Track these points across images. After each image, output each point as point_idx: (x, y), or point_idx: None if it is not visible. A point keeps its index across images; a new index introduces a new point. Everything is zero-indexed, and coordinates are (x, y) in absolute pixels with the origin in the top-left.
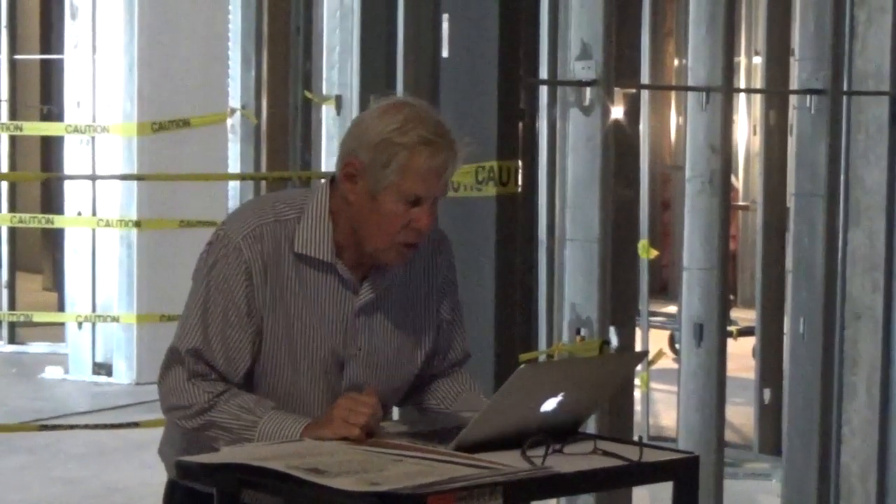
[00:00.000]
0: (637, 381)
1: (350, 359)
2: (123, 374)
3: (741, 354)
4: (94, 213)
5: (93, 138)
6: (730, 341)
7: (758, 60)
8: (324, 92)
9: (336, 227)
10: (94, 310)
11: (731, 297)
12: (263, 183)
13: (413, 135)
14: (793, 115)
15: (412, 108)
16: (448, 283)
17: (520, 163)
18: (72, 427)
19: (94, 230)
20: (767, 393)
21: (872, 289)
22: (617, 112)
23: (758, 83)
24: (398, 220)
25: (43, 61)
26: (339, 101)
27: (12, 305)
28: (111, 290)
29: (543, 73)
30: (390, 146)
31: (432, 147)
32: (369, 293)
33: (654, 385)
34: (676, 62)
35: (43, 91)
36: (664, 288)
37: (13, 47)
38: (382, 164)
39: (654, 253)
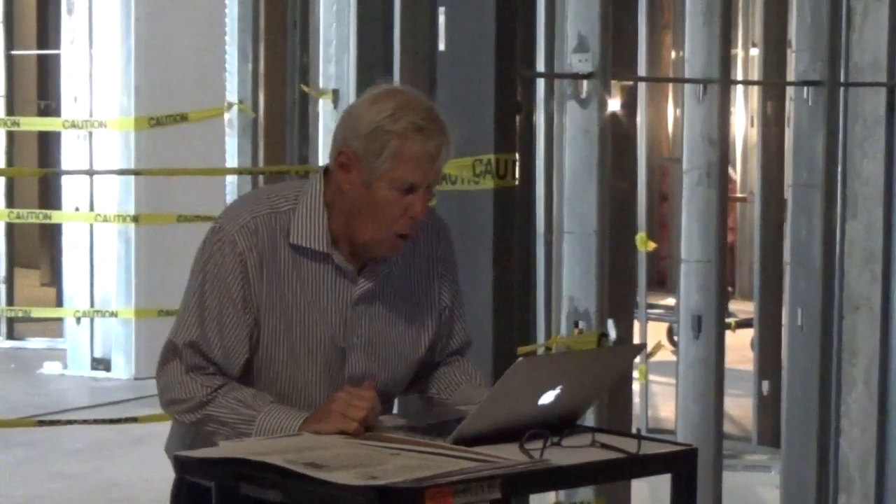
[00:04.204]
0: (635, 374)
1: (351, 348)
2: (122, 368)
3: (739, 346)
4: (91, 209)
5: (90, 133)
6: (728, 333)
7: (755, 52)
8: (321, 86)
9: (331, 217)
10: (92, 305)
11: (730, 288)
12: (261, 177)
13: (404, 121)
14: (790, 107)
15: (403, 94)
16: (448, 270)
17: (517, 156)
18: (70, 422)
19: (91, 225)
20: (766, 385)
21: (870, 280)
22: (614, 104)
23: (755, 75)
24: (393, 208)
25: (40, 57)
26: (336, 94)
27: (10, 301)
28: (109, 285)
29: (540, 66)
30: (382, 134)
31: (424, 133)
32: (368, 282)
33: (652, 377)
34: (673, 54)
35: (40, 86)
36: (662, 280)
37: (10, 43)
38: (375, 153)
39: (651, 245)
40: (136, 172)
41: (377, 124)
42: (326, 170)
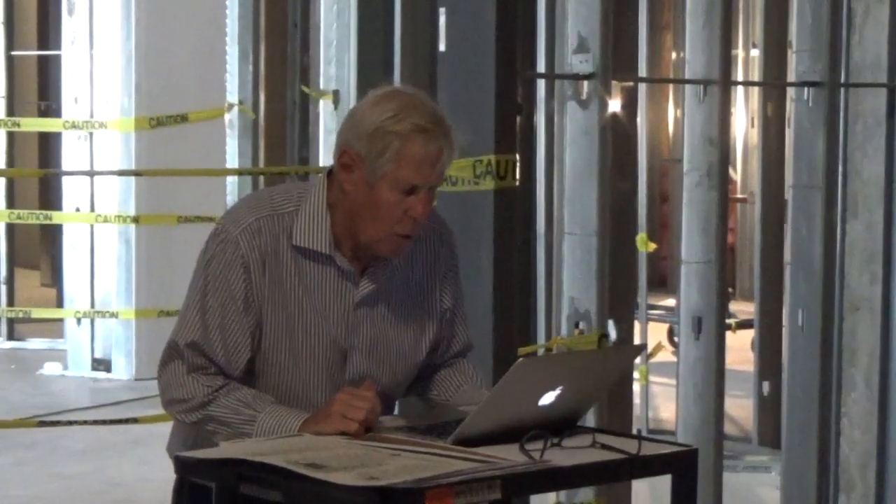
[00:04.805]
0: (636, 375)
1: (352, 350)
2: (122, 369)
3: (740, 347)
4: (92, 209)
5: (91, 134)
6: (728, 334)
7: (755, 53)
8: (321, 87)
9: (334, 218)
10: (92, 305)
11: (730, 289)
12: (261, 178)
13: (407, 123)
14: (790, 108)
15: (406, 96)
16: (450, 273)
17: (517, 156)
18: (71, 423)
19: (92, 226)
20: (766, 385)
21: (871, 280)
22: (614, 105)
23: (755, 76)
24: (394, 209)
25: (40, 57)
26: (336, 95)
27: (11, 301)
28: (109, 286)
29: (541, 67)
30: (385, 135)
31: (426, 135)
32: (370, 284)
33: (652, 378)
34: (674, 55)
35: (41, 87)
36: (663, 281)
37: (11, 43)
38: (377, 153)
39: (652, 246)
40: (136, 173)
41: (380, 125)
42: (330, 171)
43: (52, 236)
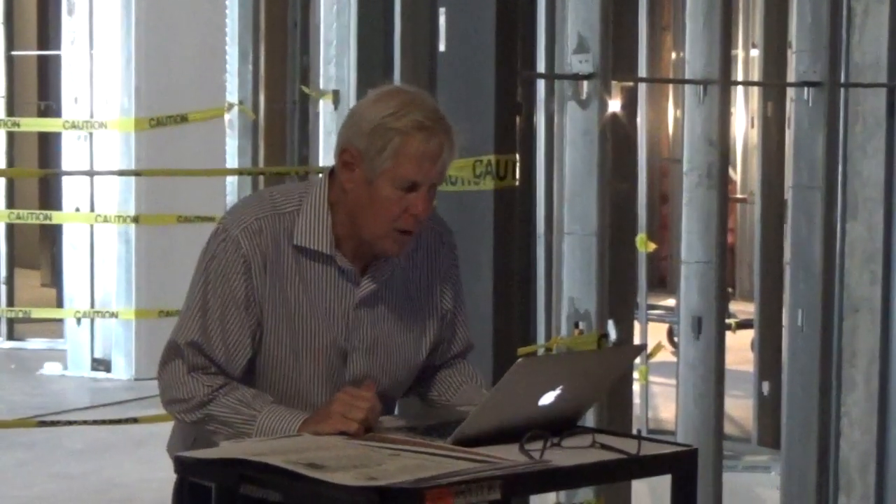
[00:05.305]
0: (636, 375)
1: (352, 351)
2: (122, 369)
3: (740, 347)
4: (92, 209)
5: (90, 134)
6: (728, 334)
7: (755, 53)
8: (321, 87)
9: (335, 218)
10: (92, 305)
11: (730, 289)
12: (261, 178)
13: (407, 120)
14: (790, 108)
15: (406, 94)
16: (451, 274)
17: (517, 156)
18: (71, 423)
19: (92, 226)
20: (766, 385)
21: (871, 281)
22: (614, 105)
23: (755, 76)
24: (394, 206)
25: (40, 57)
26: (336, 95)
27: (11, 301)
28: (109, 286)
29: (541, 67)
30: (385, 132)
31: (426, 131)
32: (370, 284)
33: (652, 378)
34: (674, 55)
35: (40, 87)
36: (662, 281)
37: (10, 43)
38: (377, 150)
39: (652, 246)
40: (136, 173)
41: (380, 122)
42: (332, 171)
43: (51, 236)
